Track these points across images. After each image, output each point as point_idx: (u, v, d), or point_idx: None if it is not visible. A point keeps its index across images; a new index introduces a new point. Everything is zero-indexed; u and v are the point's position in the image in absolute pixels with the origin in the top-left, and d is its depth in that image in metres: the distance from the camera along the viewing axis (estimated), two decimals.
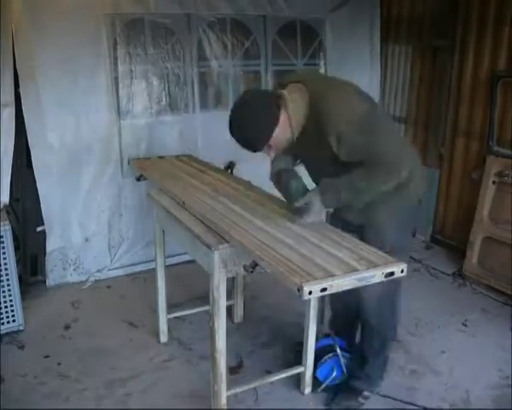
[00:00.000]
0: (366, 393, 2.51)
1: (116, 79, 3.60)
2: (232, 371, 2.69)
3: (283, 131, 2.08)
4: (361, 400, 2.50)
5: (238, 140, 2.09)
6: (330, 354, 2.57)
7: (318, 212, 2.14)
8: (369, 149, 2.00)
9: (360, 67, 4.53)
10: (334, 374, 2.57)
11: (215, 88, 4.03)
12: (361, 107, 2.06)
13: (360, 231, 2.19)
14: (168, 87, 3.81)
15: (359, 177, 2.02)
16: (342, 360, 2.56)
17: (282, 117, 2.06)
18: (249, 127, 2.04)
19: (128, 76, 3.66)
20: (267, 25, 4.09)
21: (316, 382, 2.59)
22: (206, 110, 3.98)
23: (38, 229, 3.52)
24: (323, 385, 2.57)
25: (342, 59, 4.42)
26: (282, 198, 2.32)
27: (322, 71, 4.39)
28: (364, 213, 2.20)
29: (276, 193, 2.67)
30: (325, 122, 2.01)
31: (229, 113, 2.10)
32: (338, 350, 2.56)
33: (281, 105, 2.06)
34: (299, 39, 4.27)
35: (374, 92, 4.61)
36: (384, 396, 2.56)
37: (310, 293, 1.59)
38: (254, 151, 2.12)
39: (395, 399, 2.54)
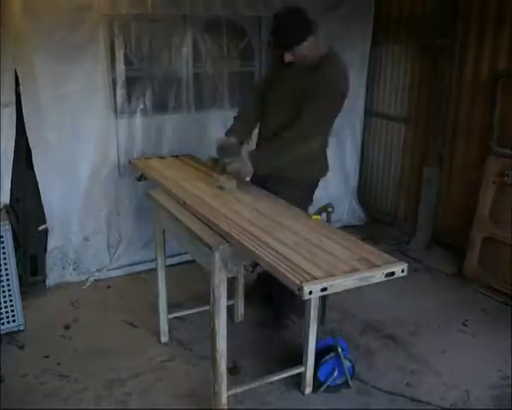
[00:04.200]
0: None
1: (114, 79, 3.61)
2: (232, 371, 2.68)
3: (307, 49, 2.55)
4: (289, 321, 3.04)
5: (279, 32, 2.53)
6: (331, 354, 2.57)
7: (244, 166, 2.56)
8: (309, 116, 2.54)
9: (350, 67, 4.54)
10: (336, 374, 2.58)
11: (210, 88, 4.02)
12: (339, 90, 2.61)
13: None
14: (164, 87, 3.81)
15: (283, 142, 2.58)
16: (344, 360, 2.56)
17: (312, 38, 2.55)
18: (295, 26, 2.52)
19: (125, 76, 3.66)
20: (262, 25, 4.09)
21: (317, 382, 2.59)
22: (202, 110, 4.00)
23: (40, 228, 3.52)
24: (324, 385, 2.58)
25: None
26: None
27: None
28: (277, 184, 2.67)
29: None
30: (316, 77, 2.53)
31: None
32: (339, 350, 2.56)
33: (315, 31, 2.57)
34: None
35: (361, 93, 4.71)
36: (405, 397, 2.56)
37: (310, 293, 1.59)
38: (284, 47, 2.55)
39: (421, 401, 2.55)
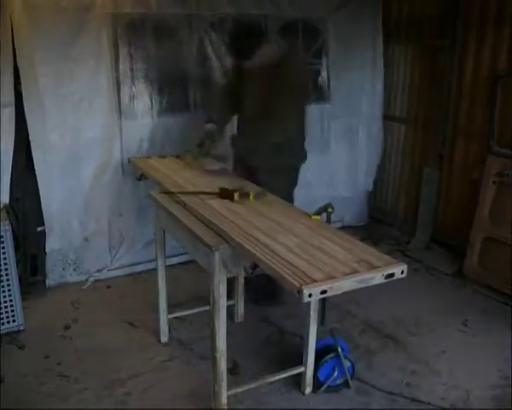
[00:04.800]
0: None
1: (117, 78, 3.59)
2: (232, 371, 2.69)
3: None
4: None
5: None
6: (332, 354, 2.57)
7: (227, 152, 2.86)
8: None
9: (363, 67, 4.53)
10: (336, 374, 2.57)
11: (216, 88, 4.01)
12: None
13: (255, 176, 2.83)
14: (169, 87, 3.79)
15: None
16: (344, 360, 2.56)
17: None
18: None
19: (129, 76, 3.64)
20: (268, 24, 4.07)
21: (317, 382, 2.59)
22: (208, 110, 3.97)
23: (39, 229, 3.52)
24: (324, 386, 2.58)
25: (345, 59, 4.42)
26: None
27: (324, 71, 4.41)
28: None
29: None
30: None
31: None
32: (339, 350, 2.56)
33: None
34: (301, 39, 4.26)
35: (377, 91, 4.64)
36: (405, 397, 2.56)
37: (310, 296, 1.59)
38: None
39: (421, 401, 2.55)
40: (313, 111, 4.36)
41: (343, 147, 4.62)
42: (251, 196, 2.44)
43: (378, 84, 4.62)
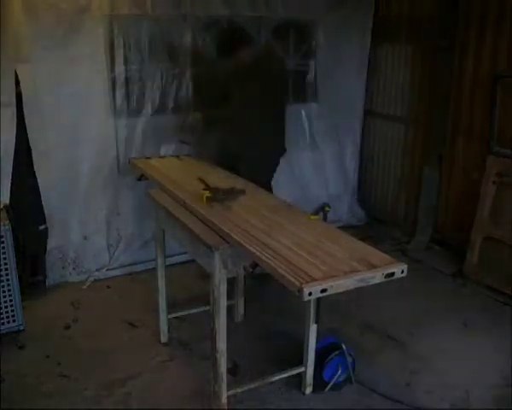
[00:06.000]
0: None
1: (113, 79, 3.61)
2: (232, 371, 2.68)
3: None
4: None
5: None
6: (336, 352, 2.56)
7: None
8: None
9: (349, 68, 4.58)
10: (339, 372, 2.57)
11: (210, 88, 4.02)
12: None
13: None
14: (164, 87, 3.80)
15: None
16: (347, 357, 2.56)
17: None
18: None
19: (125, 76, 3.66)
20: (261, 25, 4.09)
21: (322, 382, 2.58)
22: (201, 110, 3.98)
23: (41, 227, 3.52)
24: (330, 385, 2.57)
25: (333, 60, 4.46)
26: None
27: (312, 71, 4.47)
28: None
29: (277, 193, 2.68)
30: None
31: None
32: (344, 347, 2.55)
33: None
34: (291, 40, 4.29)
35: (360, 93, 4.73)
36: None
37: (310, 294, 1.59)
38: None
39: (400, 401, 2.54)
40: (300, 110, 4.41)
41: (331, 145, 4.67)
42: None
43: (361, 84, 4.70)
